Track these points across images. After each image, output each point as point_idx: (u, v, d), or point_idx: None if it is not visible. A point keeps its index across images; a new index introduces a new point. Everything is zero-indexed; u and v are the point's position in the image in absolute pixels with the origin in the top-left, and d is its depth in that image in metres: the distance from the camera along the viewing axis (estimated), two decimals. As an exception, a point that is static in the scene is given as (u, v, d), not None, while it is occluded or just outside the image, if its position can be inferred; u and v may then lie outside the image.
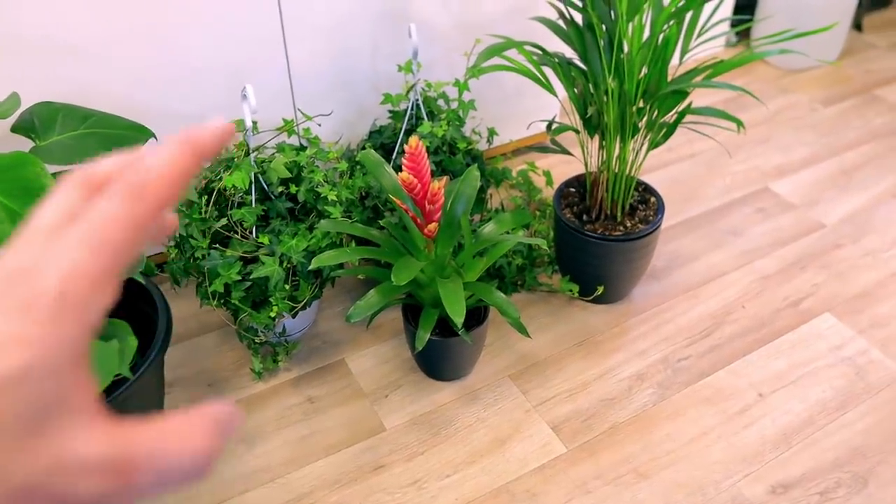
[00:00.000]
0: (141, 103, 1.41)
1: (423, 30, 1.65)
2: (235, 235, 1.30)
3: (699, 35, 1.35)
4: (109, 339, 0.96)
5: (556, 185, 1.85)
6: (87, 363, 0.26)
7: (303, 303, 1.31)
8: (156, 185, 0.27)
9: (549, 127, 1.47)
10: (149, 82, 1.41)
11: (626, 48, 1.30)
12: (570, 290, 1.54)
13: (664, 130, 1.41)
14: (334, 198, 1.32)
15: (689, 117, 1.40)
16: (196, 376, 1.44)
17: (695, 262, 1.70)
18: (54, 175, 1.10)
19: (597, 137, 1.46)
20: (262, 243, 1.28)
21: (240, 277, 1.26)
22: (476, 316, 1.35)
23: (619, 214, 1.50)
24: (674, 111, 1.38)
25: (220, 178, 1.29)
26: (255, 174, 1.31)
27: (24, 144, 1.16)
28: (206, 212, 1.29)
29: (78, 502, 0.24)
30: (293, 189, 1.33)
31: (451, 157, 1.54)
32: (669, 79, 1.35)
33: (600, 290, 1.52)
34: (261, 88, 1.51)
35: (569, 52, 1.47)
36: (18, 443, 0.23)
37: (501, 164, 1.86)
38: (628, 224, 1.49)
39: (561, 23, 1.42)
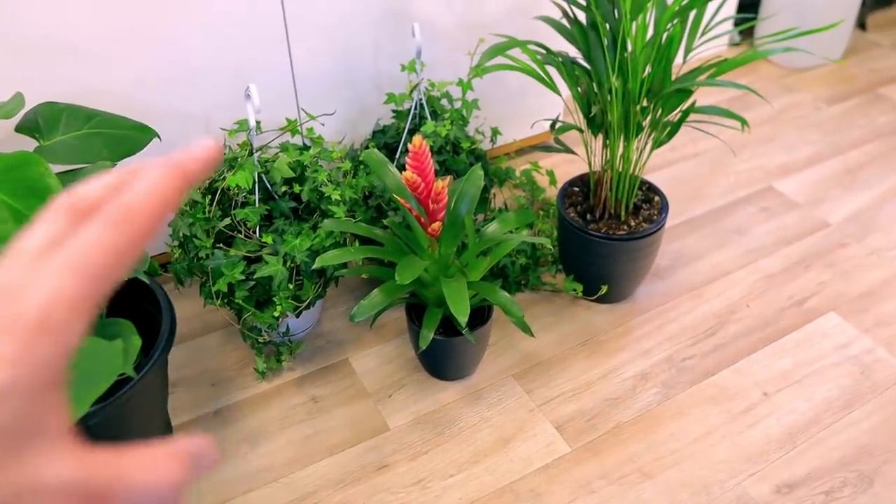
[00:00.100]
0: (144, 103, 1.41)
1: (427, 29, 1.65)
2: (239, 235, 1.30)
3: (703, 34, 1.35)
4: (113, 338, 0.96)
5: (559, 185, 1.85)
6: (63, 387, 0.26)
7: (306, 302, 1.31)
8: (141, 211, 0.27)
9: (552, 126, 1.47)
10: (152, 82, 1.41)
11: (629, 47, 1.30)
12: (574, 290, 1.54)
13: (668, 129, 1.40)
14: (338, 197, 1.32)
15: (692, 116, 1.40)
16: (200, 376, 1.44)
17: (699, 262, 1.69)
18: (59, 175, 1.10)
19: (600, 136, 1.46)
20: (265, 243, 1.28)
21: (243, 277, 1.26)
22: (480, 315, 1.35)
23: (622, 214, 1.49)
24: (678, 110, 1.37)
25: (224, 178, 1.29)
26: (258, 174, 1.31)
27: (29, 144, 1.16)
28: (209, 211, 1.30)
29: None
30: (297, 188, 1.33)
31: (454, 156, 1.54)
32: (673, 78, 1.35)
33: (604, 289, 1.52)
34: (264, 88, 1.51)
35: (572, 52, 1.47)
36: None
37: (505, 164, 1.86)
38: (632, 223, 1.49)
39: (565, 22, 1.42)
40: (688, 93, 1.34)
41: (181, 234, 1.29)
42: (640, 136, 1.41)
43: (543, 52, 1.41)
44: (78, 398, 0.87)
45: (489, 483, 1.25)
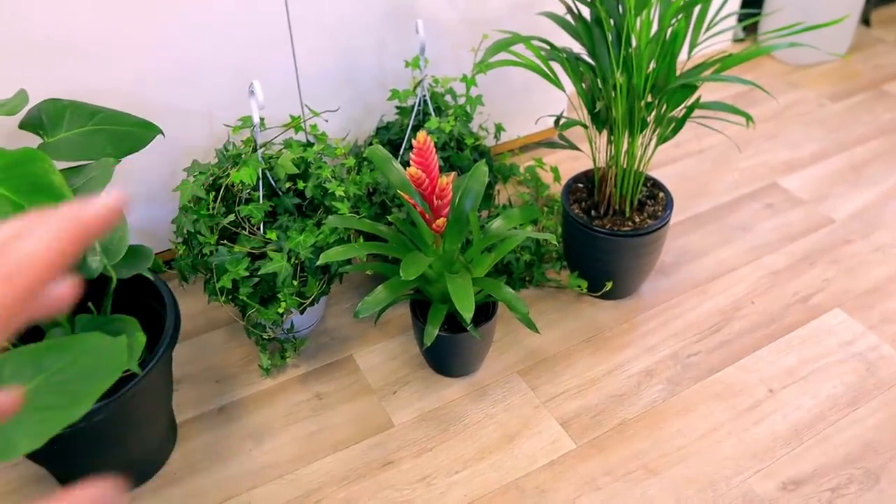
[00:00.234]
0: (148, 101, 1.41)
1: (430, 26, 1.65)
2: (243, 232, 1.29)
3: (707, 29, 1.34)
4: (118, 335, 0.96)
5: (563, 181, 1.85)
6: None
7: (311, 299, 1.31)
8: (27, 270, 0.27)
9: (556, 122, 1.47)
10: (156, 80, 1.40)
11: (633, 43, 1.29)
12: (579, 286, 1.53)
13: (673, 125, 1.40)
14: (342, 193, 1.31)
15: (697, 113, 1.39)
16: (204, 373, 1.44)
17: (703, 258, 1.69)
18: (62, 171, 1.10)
19: (605, 132, 1.45)
20: (269, 239, 1.28)
21: (248, 273, 1.25)
22: (484, 312, 1.35)
23: (627, 210, 1.49)
24: (682, 106, 1.37)
25: (228, 175, 1.29)
26: (262, 170, 1.31)
27: (32, 141, 1.16)
28: (213, 208, 1.29)
29: None
30: (300, 185, 1.33)
31: (458, 152, 1.53)
32: (678, 73, 1.34)
33: (609, 285, 1.51)
34: (268, 85, 1.50)
35: (576, 48, 1.47)
36: None
37: (509, 160, 1.86)
38: (637, 219, 1.49)
39: (569, 18, 1.42)
40: (692, 88, 1.34)
41: (185, 231, 1.29)
42: (644, 132, 1.41)
43: (547, 48, 1.41)
44: (82, 394, 0.87)
45: (494, 480, 1.24)
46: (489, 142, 1.88)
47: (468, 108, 1.57)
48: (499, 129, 1.70)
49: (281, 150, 1.35)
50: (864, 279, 1.62)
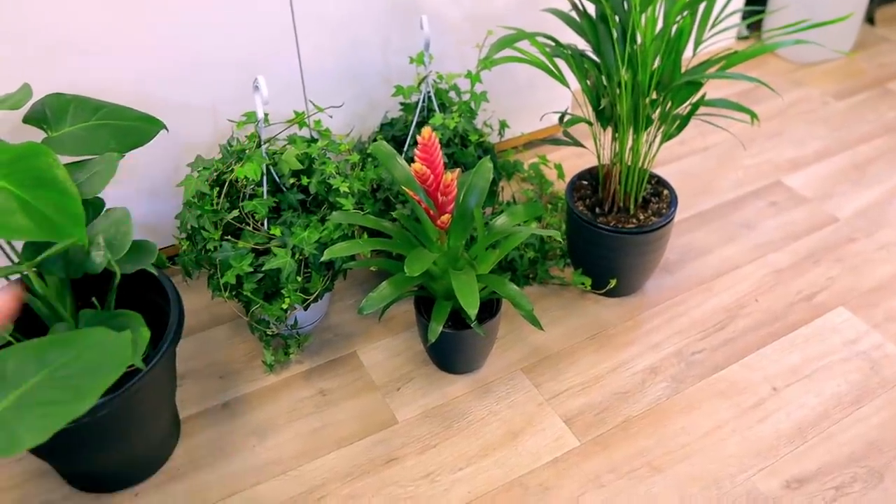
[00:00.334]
0: (152, 96, 1.41)
1: (435, 22, 1.64)
2: (247, 227, 1.29)
3: (713, 26, 1.34)
4: (122, 329, 0.95)
5: (567, 179, 1.85)
6: None
7: (315, 295, 1.31)
8: None
9: (561, 119, 1.46)
10: (160, 75, 1.40)
11: (639, 39, 1.29)
12: (583, 284, 1.53)
13: (678, 122, 1.40)
14: (346, 189, 1.31)
15: (701, 110, 1.39)
16: (207, 368, 1.43)
17: (708, 256, 1.69)
18: (66, 166, 1.10)
19: (609, 129, 1.45)
20: (273, 235, 1.28)
21: (252, 269, 1.25)
22: (488, 308, 1.34)
23: (631, 207, 1.49)
24: (687, 103, 1.36)
25: (232, 170, 1.29)
26: (266, 166, 1.30)
27: (36, 135, 1.16)
28: (217, 203, 1.29)
29: None
30: (305, 181, 1.32)
31: (462, 149, 1.53)
32: (682, 70, 1.34)
33: (613, 283, 1.51)
34: (272, 81, 1.50)
35: (581, 44, 1.47)
36: None
37: (513, 157, 1.85)
38: (641, 217, 1.48)
39: (574, 14, 1.41)
40: (697, 85, 1.34)
41: (189, 227, 1.29)
42: (649, 129, 1.41)
43: (552, 44, 1.40)
44: (87, 389, 0.87)
45: (498, 477, 1.24)
46: (493, 139, 1.88)
47: (473, 105, 1.56)
48: (503, 125, 1.69)
49: (285, 145, 1.35)
50: (869, 277, 1.62)
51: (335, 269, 1.34)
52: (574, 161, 1.96)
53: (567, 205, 1.50)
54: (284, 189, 1.34)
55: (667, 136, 1.42)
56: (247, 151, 1.31)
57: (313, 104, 1.43)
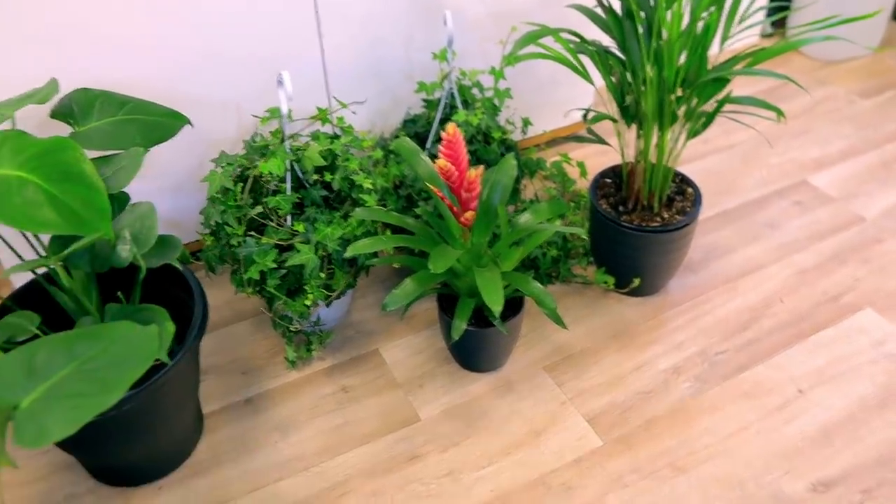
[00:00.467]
0: (177, 91, 1.41)
1: (458, 18, 1.64)
2: (271, 223, 1.29)
3: (740, 22, 1.32)
4: (148, 324, 0.96)
5: (590, 177, 1.83)
6: None
7: (338, 292, 1.31)
8: None
9: (585, 116, 1.45)
10: (184, 71, 1.40)
11: (664, 35, 1.28)
12: (606, 282, 1.52)
13: (703, 119, 1.38)
14: (369, 186, 1.31)
15: (726, 108, 1.37)
16: (230, 364, 1.44)
17: (732, 255, 1.67)
18: (93, 160, 1.10)
19: (634, 127, 1.44)
20: (297, 231, 1.28)
21: (275, 265, 1.25)
22: (512, 306, 1.34)
23: (655, 205, 1.47)
24: (713, 99, 1.35)
25: (256, 166, 1.29)
26: (290, 162, 1.30)
27: (63, 130, 1.17)
28: (241, 199, 1.29)
29: None
30: (328, 177, 1.32)
31: (485, 146, 1.52)
32: (709, 67, 1.33)
33: (636, 282, 1.50)
34: (295, 78, 1.50)
35: (606, 41, 1.45)
36: None
37: (535, 155, 1.84)
38: (665, 215, 1.47)
39: (598, 10, 1.40)
40: (724, 82, 1.32)
41: (213, 222, 1.29)
42: (674, 126, 1.39)
43: (577, 40, 1.39)
44: (114, 382, 0.87)
45: (521, 475, 1.24)
46: (516, 136, 1.87)
47: (496, 101, 1.56)
48: (526, 122, 1.69)
49: (308, 142, 1.35)
50: (896, 278, 1.60)
51: (358, 265, 1.34)
52: (597, 159, 1.95)
53: (591, 203, 1.49)
54: (308, 185, 1.34)
55: (692, 134, 1.40)
56: (270, 147, 1.31)
57: (336, 100, 1.43)
